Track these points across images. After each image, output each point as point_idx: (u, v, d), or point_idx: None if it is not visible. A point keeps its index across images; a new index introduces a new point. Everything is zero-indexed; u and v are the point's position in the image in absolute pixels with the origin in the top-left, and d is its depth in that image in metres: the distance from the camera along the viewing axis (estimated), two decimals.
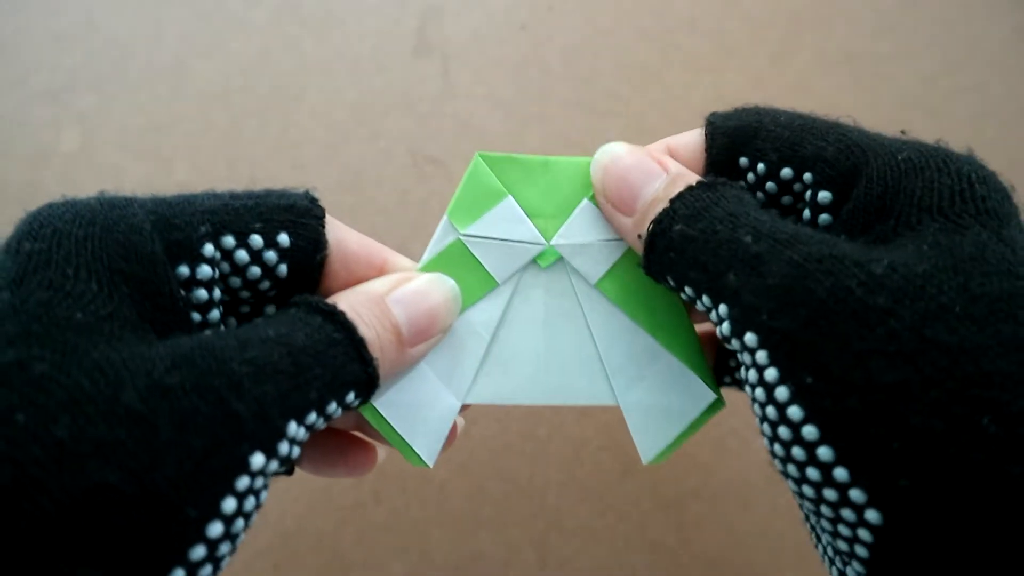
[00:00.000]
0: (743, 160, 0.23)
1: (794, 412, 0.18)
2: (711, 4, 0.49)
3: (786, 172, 0.23)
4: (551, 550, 0.40)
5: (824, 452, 0.18)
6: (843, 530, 0.18)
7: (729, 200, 0.21)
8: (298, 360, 0.19)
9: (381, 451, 0.28)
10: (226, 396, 0.17)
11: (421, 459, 0.25)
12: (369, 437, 0.27)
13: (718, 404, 0.25)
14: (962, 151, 0.21)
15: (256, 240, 0.22)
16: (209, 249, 0.21)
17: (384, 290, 0.22)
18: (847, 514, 0.18)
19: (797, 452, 0.18)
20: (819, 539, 0.21)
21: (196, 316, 0.21)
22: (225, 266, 0.22)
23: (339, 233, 0.24)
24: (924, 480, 0.16)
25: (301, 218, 0.22)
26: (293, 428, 0.19)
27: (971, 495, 0.16)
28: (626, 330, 0.25)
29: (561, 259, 0.25)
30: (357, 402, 0.21)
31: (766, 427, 0.19)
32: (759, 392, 0.19)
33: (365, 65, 0.47)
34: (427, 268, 0.25)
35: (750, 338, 0.19)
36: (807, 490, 0.19)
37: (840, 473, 0.18)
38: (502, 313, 0.25)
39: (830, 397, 0.17)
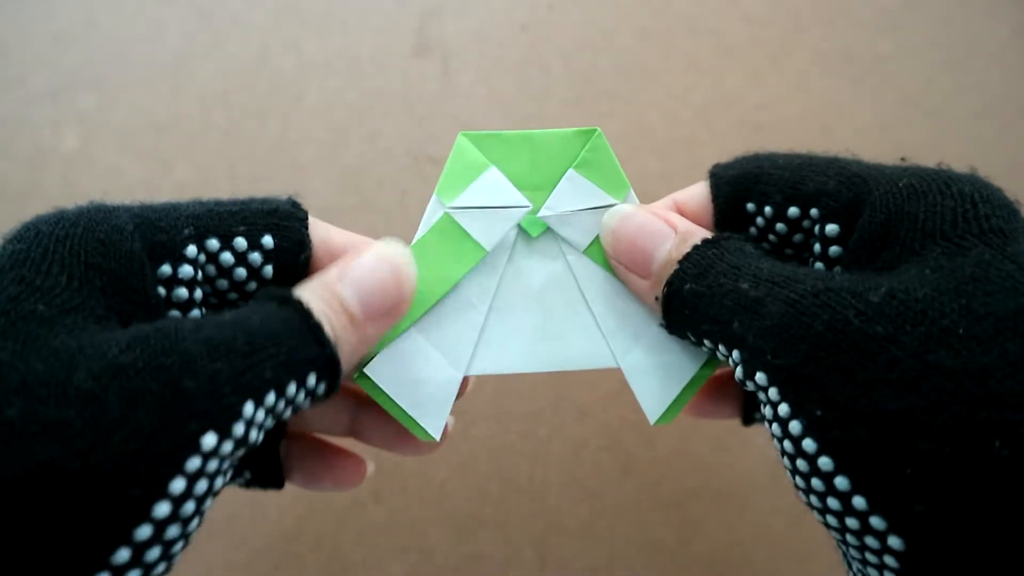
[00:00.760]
0: (750, 206, 0.24)
1: (808, 445, 0.18)
2: (711, 4, 0.49)
3: (792, 211, 0.23)
4: (551, 550, 0.40)
5: (841, 482, 0.18)
6: (870, 557, 0.18)
7: (732, 253, 0.22)
8: (252, 340, 0.19)
9: (370, 465, 0.28)
10: (177, 374, 0.17)
11: (427, 432, 0.25)
12: (364, 441, 0.28)
13: (714, 360, 0.26)
14: (964, 170, 0.21)
15: (240, 242, 0.22)
16: (192, 250, 0.21)
17: (335, 273, 0.22)
18: (871, 542, 0.18)
19: (816, 483, 0.19)
20: (850, 566, 0.21)
21: (176, 315, 0.21)
22: (211, 268, 0.22)
23: (323, 232, 0.24)
24: (940, 505, 0.16)
25: (284, 220, 0.23)
26: (250, 409, 0.18)
27: (989, 518, 0.16)
28: (619, 294, 0.26)
29: (550, 229, 0.26)
30: (322, 387, 0.21)
31: (786, 461, 0.20)
32: (776, 428, 0.20)
33: (365, 65, 0.47)
34: (418, 245, 0.25)
35: (760, 377, 0.20)
36: (831, 520, 0.19)
37: (859, 502, 0.18)
38: (496, 285, 0.26)
39: (839, 428, 0.18)
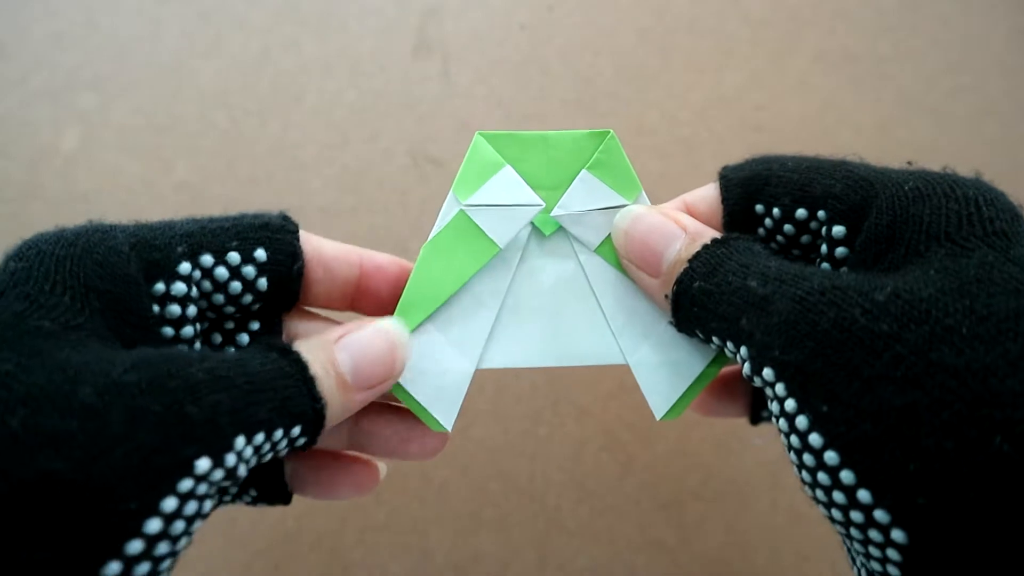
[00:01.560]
0: (759, 207, 0.25)
1: (815, 439, 0.19)
2: (711, 4, 0.49)
3: (800, 213, 0.24)
4: (551, 550, 0.40)
5: (846, 476, 0.18)
6: (874, 551, 0.19)
7: (740, 252, 0.23)
8: (252, 381, 0.20)
9: (382, 466, 0.28)
10: (181, 398, 0.18)
11: (440, 423, 0.26)
12: (365, 452, 0.28)
13: (722, 358, 0.26)
14: (969, 174, 0.22)
15: (234, 257, 0.23)
16: (186, 267, 0.22)
17: (334, 337, 0.23)
18: (875, 535, 0.18)
19: (822, 477, 0.19)
20: (854, 561, 0.21)
21: (169, 331, 0.22)
22: (207, 284, 0.23)
23: (315, 243, 0.25)
24: (942, 499, 0.17)
25: (276, 234, 0.24)
26: (241, 443, 0.19)
27: (989, 514, 0.16)
28: (629, 293, 0.26)
29: (562, 228, 0.26)
30: (303, 440, 0.22)
31: (793, 455, 0.20)
32: (783, 423, 0.20)
33: (365, 65, 0.47)
34: (434, 242, 0.26)
35: (767, 373, 0.20)
36: (836, 514, 0.19)
37: (864, 495, 0.18)
38: (509, 282, 0.26)
39: (844, 423, 0.18)
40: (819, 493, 0.19)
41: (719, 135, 0.47)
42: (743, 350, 0.21)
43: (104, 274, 0.20)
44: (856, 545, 0.19)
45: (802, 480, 0.20)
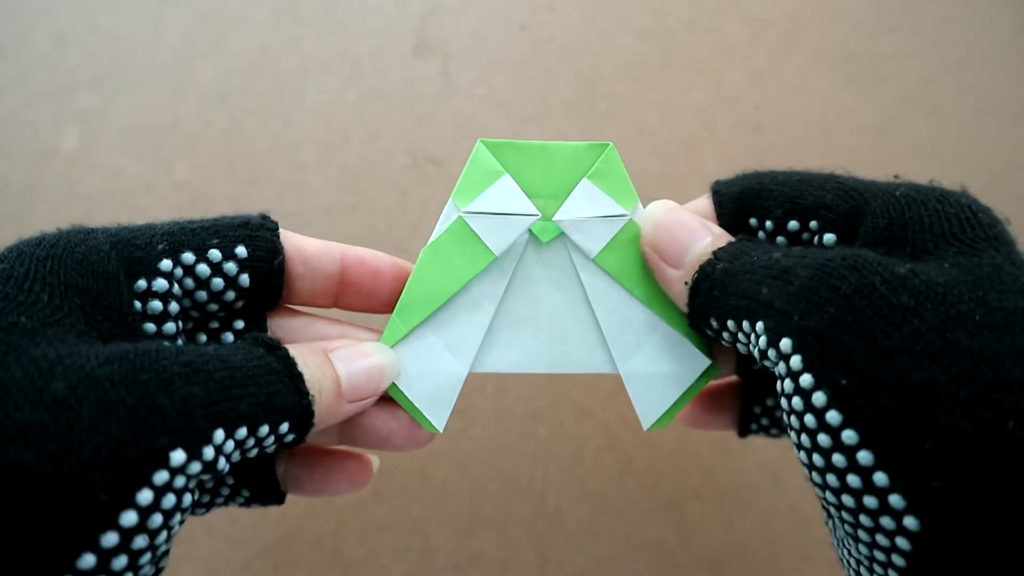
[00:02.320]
0: (752, 220, 0.25)
1: (833, 416, 0.19)
2: (711, 4, 0.49)
3: (793, 224, 0.24)
4: (551, 550, 0.40)
5: (864, 456, 0.18)
6: (881, 539, 0.19)
7: (764, 243, 0.24)
8: (232, 375, 0.20)
9: (375, 460, 0.28)
10: (153, 391, 0.18)
11: (432, 424, 0.26)
12: (357, 445, 0.28)
13: (712, 370, 0.27)
14: (955, 187, 0.23)
15: (215, 254, 0.23)
16: (166, 264, 0.22)
17: (329, 346, 0.24)
18: (886, 522, 0.18)
19: (838, 459, 0.19)
20: (849, 553, 0.21)
21: (151, 328, 0.22)
22: (189, 282, 0.23)
23: (296, 241, 0.25)
24: (955, 482, 0.17)
25: (256, 231, 0.24)
26: (220, 436, 0.19)
27: (1000, 500, 0.16)
28: (624, 302, 0.27)
29: (561, 236, 0.27)
30: (292, 437, 0.22)
31: (804, 438, 0.20)
32: (796, 401, 0.20)
33: (365, 65, 0.47)
34: (433, 246, 0.26)
35: (785, 344, 0.20)
36: (847, 499, 0.19)
37: (880, 478, 0.18)
38: (505, 287, 0.27)
39: (863, 396, 0.18)
40: (831, 478, 0.19)
41: (719, 135, 0.47)
42: (759, 325, 0.21)
43: (84, 271, 0.20)
44: (862, 533, 0.19)
45: (812, 465, 0.20)
